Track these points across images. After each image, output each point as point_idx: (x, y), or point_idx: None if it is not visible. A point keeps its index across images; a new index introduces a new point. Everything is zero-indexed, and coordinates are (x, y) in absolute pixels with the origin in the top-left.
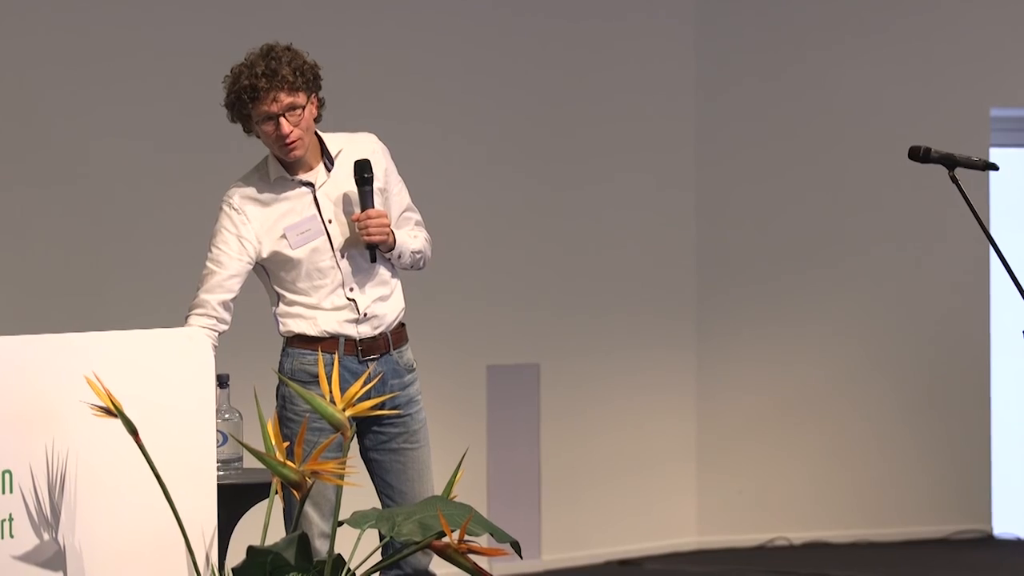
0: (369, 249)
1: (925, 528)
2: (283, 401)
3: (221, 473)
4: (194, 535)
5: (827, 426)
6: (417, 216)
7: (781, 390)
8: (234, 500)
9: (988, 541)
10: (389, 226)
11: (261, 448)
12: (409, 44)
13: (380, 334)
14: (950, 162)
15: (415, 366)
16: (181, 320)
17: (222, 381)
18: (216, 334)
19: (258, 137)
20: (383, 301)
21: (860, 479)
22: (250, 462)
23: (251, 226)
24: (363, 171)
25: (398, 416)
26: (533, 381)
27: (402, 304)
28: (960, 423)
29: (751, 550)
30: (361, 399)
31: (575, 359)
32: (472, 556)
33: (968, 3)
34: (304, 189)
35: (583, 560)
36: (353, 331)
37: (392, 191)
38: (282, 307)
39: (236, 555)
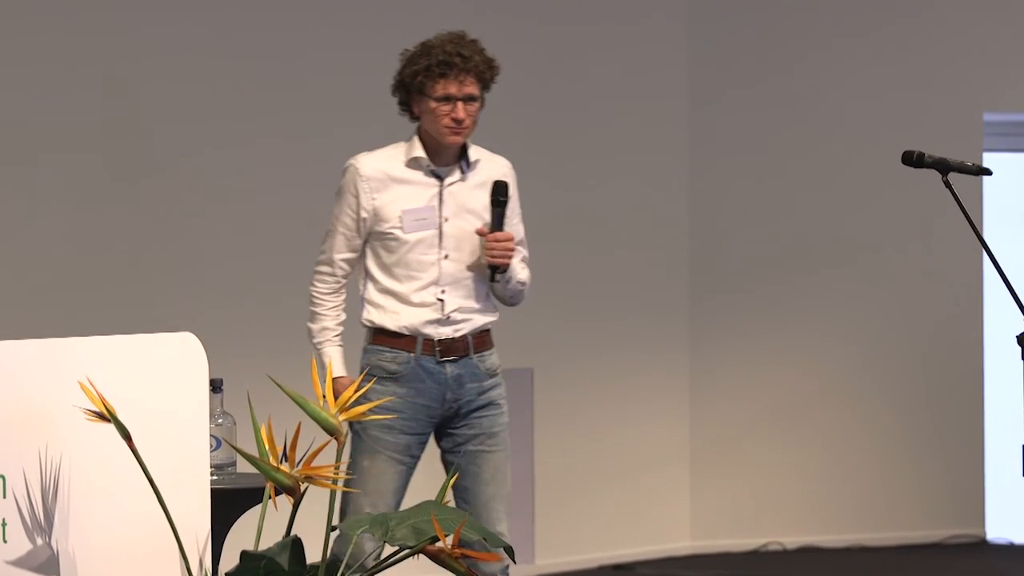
0: (491, 269)
1: (918, 533)
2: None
3: (215, 478)
4: (188, 540)
5: (821, 431)
6: (526, 252)
7: (774, 394)
8: (228, 505)
9: (981, 546)
10: (512, 252)
11: (255, 453)
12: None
13: (461, 336)
14: (943, 167)
15: (499, 371)
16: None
17: (215, 385)
18: (338, 286)
19: (412, 118)
20: (469, 310)
21: (854, 484)
22: (244, 466)
23: (370, 195)
24: (500, 193)
25: (479, 418)
26: (527, 385)
27: (492, 316)
28: (954, 428)
29: (745, 555)
30: (438, 399)
31: (569, 363)
32: (466, 561)
33: (961, 7)
34: (433, 180)
35: (577, 565)
36: (433, 331)
37: (512, 220)
38: (371, 292)
39: (230, 560)
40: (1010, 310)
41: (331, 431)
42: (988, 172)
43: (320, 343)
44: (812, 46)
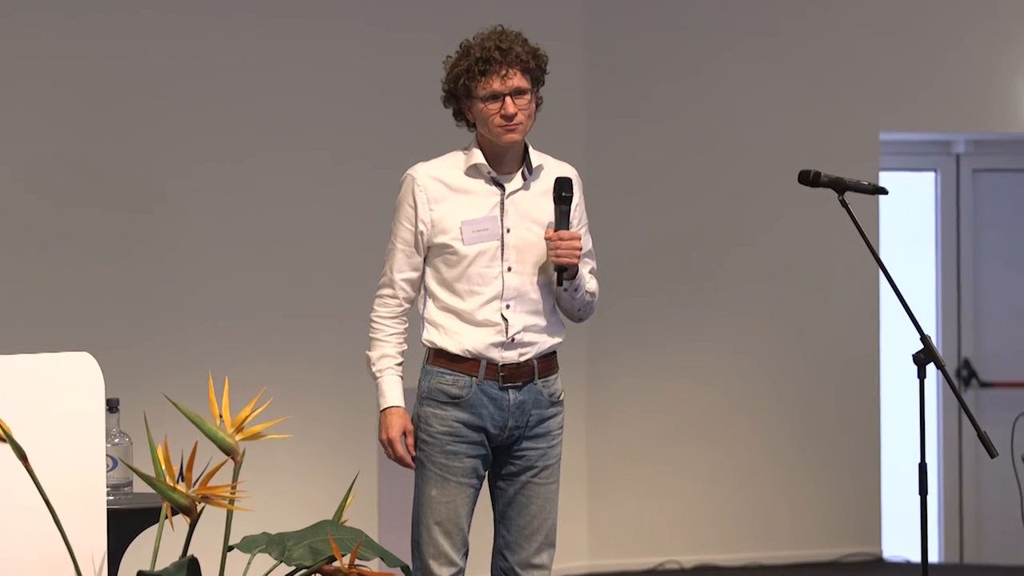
0: (557, 271)
1: (816, 551)
2: (418, 421)
3: (111, 498)
4: (84, 560)
5: (718, 448)
6: (593, 264)
7: (672, 411)
8: (124, 525)
9: (878, 564)
10: (580, 251)
11: (151, 472)
12: (311, 72)
13: (526, 361)
14: (840, 186)
15: (562, 398)
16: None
17: (112, 405)
18: (400, 311)
19: (469, 126)
20: (535, 330)
21: (752, 502)
22: (140, 486)
23: (427, 205)
24: (563, 190)
25: (532, 448)
26: None
27: (558, 338)
28: (851, 446)
29: (642, 573)
30: (500, 426)
31: None
32: None
33: (858, 27)
34: (494, 189)
35: None
36: (497, 355)
37: (578, 228)
38: (431, 310)
39: None
40: (906, 328)
41: (227, 451)
42: (884, 191)
43: (379, 371)
44: (708, 60)
